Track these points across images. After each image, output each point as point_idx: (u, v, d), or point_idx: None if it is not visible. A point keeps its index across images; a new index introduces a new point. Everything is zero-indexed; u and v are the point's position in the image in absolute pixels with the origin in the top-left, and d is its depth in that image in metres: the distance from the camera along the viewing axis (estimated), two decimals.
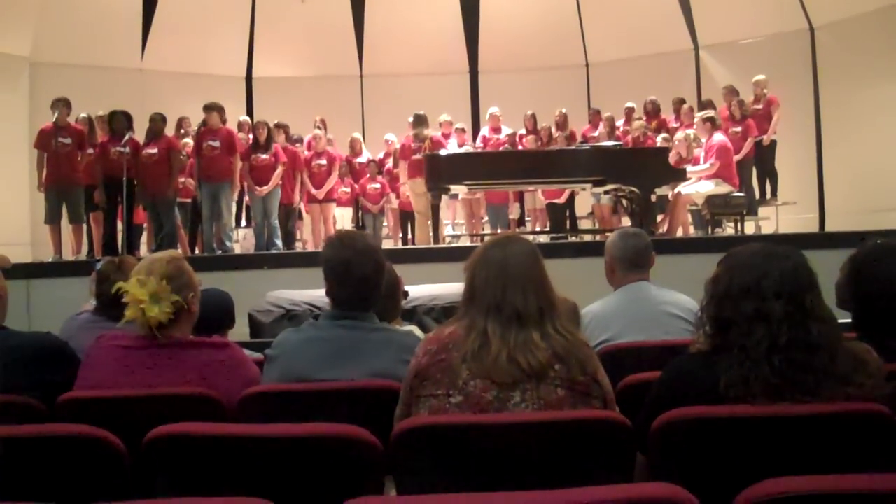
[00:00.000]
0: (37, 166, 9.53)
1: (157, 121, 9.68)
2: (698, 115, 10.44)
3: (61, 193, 9.36)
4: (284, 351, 2.74)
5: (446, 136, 11.46)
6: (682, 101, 11.76)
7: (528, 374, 2.16)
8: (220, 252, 9.53)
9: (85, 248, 9.97)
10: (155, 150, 9.47)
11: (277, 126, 10.70)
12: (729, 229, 10.40)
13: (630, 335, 3.36)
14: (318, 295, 6.26)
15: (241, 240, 11.80)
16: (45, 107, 9.71)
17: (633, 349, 3.20)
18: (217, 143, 9.64)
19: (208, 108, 9.79)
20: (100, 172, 9.46)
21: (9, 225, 10.86)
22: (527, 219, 12.74)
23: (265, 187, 10.07)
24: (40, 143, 9.42)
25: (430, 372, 2.25)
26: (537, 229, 12.11)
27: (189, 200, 10.50)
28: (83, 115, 9.97)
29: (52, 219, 9.41)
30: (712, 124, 9.85)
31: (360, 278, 2.73)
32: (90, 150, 9.68)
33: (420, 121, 10.72)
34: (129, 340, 2.74)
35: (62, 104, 9.43)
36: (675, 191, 9.79)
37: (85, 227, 9.89)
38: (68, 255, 9.71)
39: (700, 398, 2.01)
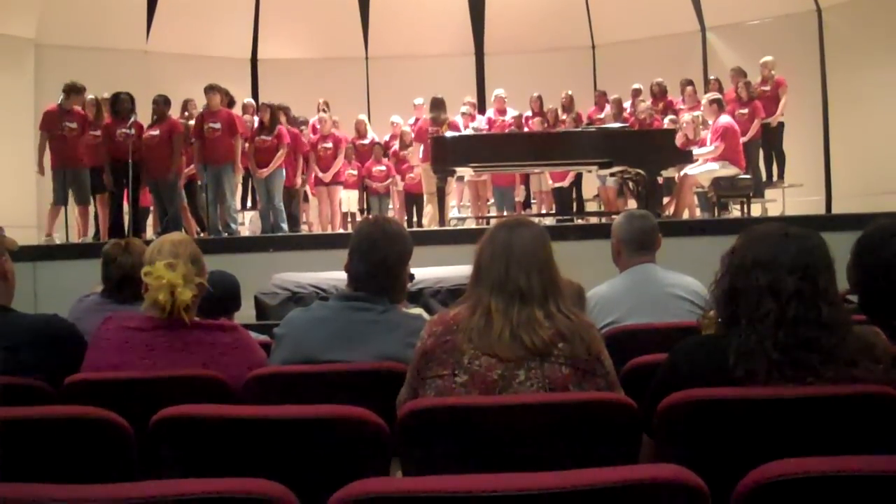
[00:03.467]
0: (38, 148, 9.49)
1: (159, 103, 9.61)
2: (705, 97, 10.41)
3: (68, 176, 9.34)
4: (292, 330, 2.76)
5: (472, 118, 11.49)
6: (690, 83, 11.72)
7: (532, 352, 2.16)
8: (226, 234, 9.53)
9: (91, 230, 9.98)
10: (157, 133, 9.46)
11: (278, 108, 10.67)
12: (735, 211, 10.37)
13: (636, 317, 3.36)
14: (324, 277, 6.26)
15: (248, 223, 11.81)
16: (51, 89, 9.72)
17: (639, 331, 3.20)
18: (218, 126, 9.62)
19: (210, 89, 9.76)
20: (106, 155, 9.45)
21: (15, 207, 10.85)
22: (532, 201, 12.72)
23: (265, 169, 10.05)
24: (46, 125, 9.39)
25: (436, 353, 2.25)
26: (543, 212, 12.09)
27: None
28: (91, 97, 9.92)
29: (61, 200, 9.41)
30: (719, 106, 9.81)
31: (381, 260, 2.75)
32: (97, 133, 9.65)
33: (438, 104, 10.75)
34: (137, 322, 2.74)
35: (76, 92, 9.40)
36: (682, 173, 9.76)
37: (91, 209, 9.89)
38: (74, 237, 9.71)
39: (706, 380, 2.01)
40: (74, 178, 9.36)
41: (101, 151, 9.52)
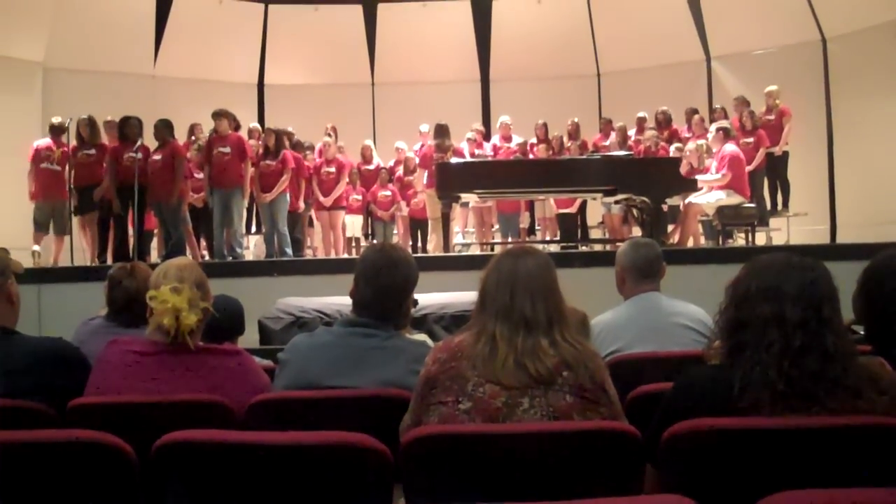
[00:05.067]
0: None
1: (159, 128, 9.66)
2: (713, 125, 10.43)
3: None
4: (297, 355, 2.75)
5: (479, 144, 11.54)
6: (695, 112, 11.74)
7: (537, 381, 2.16)
8: (231, 258, 9.54)
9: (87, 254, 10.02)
10: (159, 157, 9.51)
11: (283, 133, 10.72)
12: (740, 240, 10.38)
13: (640, 346, 3.35)
14: (328, 302, 6.27)
15: (252, 247, 11.81)
16: (58, 112, 9.77)
17: (644, 360, 3.18)
18: (228, 150, 9.67)
19: (218, 114, 9.82)
20: (112, 178, 9.48)
21: (21, 229, 10.85)
22: (537, 228, 12.72)
23: (270, 194, 10.09)
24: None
25: (440, 379, 2.25)
26: (548, 238, 12.09)
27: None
28: (83, 116, 9.86)
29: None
30: (726, 134, 9.83)
31: (386, 286, 2.75)
32: (91, 152, 9.74)
33: (442, 131, 10.82)
34: (142, 346, 2.74)
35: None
36: (686, 201, 9.77)
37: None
38: (79, 260, 9.73)
39: (711, 409, 2.00)
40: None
41: (95, 171, 9.61)
